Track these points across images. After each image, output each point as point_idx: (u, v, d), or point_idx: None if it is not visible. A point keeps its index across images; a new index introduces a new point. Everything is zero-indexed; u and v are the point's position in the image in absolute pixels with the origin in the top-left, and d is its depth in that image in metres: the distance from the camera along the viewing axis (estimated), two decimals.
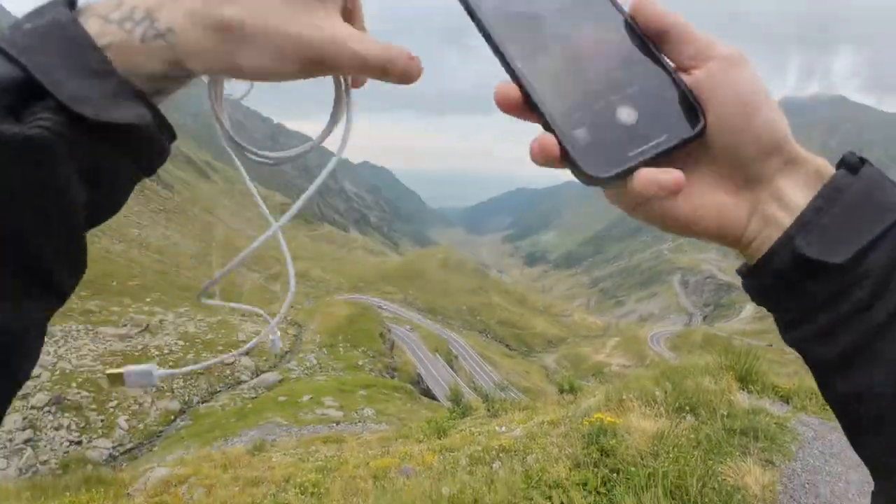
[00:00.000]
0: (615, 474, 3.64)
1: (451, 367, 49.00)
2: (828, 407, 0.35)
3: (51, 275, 0.34)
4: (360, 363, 34.52)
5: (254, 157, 0.52)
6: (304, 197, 0.53)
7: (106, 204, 0.39)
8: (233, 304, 0.76)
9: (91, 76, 0.33)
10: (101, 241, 58.31)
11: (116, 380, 0.58)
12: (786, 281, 0.38)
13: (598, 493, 3.46)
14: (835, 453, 4.91)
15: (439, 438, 8.54)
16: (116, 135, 0.35)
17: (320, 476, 6.23)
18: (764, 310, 0.39)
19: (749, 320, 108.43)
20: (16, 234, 0.31)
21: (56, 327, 29.33)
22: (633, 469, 3.55)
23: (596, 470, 3.72)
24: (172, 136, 0.43)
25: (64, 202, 0.33)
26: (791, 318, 0.40)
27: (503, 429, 7.70)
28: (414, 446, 7.95)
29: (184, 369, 0.64)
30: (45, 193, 0.31)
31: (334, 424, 20.66)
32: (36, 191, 0.31)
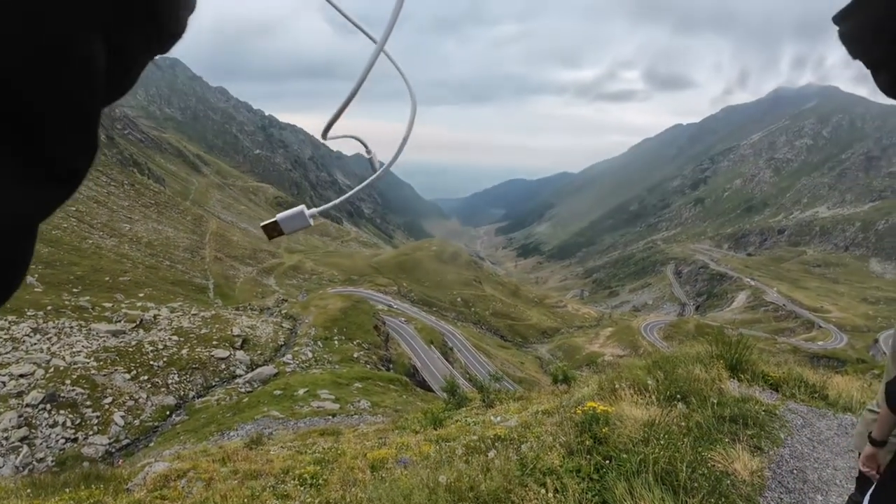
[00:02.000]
0: (607, 461, 3.73)
1: (447, 359, 49.20)
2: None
3: (60, 154, 0.30)
4: (356, 356, 34.61)
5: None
6: (354, 191, 0.58)
7: (123, 81, 0.35)
8: (353, 135, 0.78)
9: None
10: (91, 237, 57.84)
11: (272, 230, 0.60)
12: None
13: (590, 479, 3.55)
14: (823, 440, 5.03)
15: (435, 429, 8.63)
16: None
17: (319, 468, 6.31)
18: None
19: (741, 310, 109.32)
20: (17, 95, 0.27)
21: (49, 324, 29.19)
22: (624, 456, 3.64)
23: (589, 457, 3.81)
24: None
25: (86, 69, 0.29)
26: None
27: (498, 419, 7.80)
28: (410, 437, 8.04)
29: (331, 203, 0.66)
30: (69, 56, 0.28)
31: (331, 417, 20.77)
32: (59, 52, 0.27)
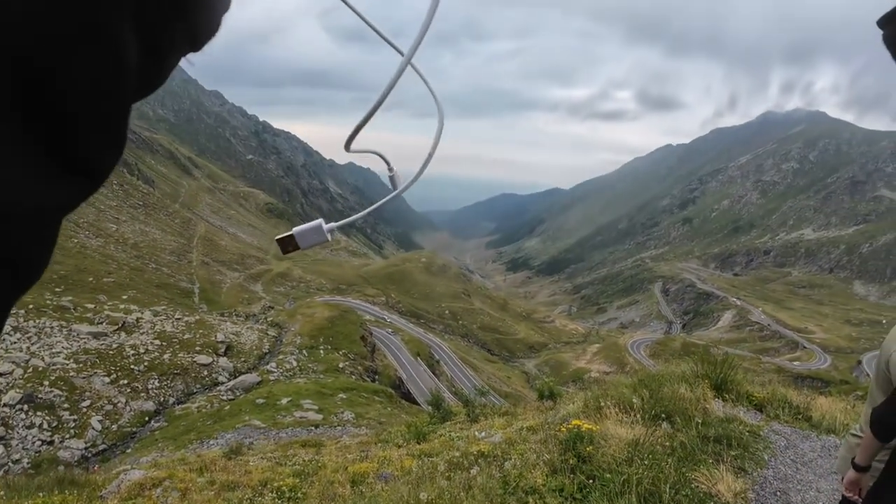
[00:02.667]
0: (591, 480, 3.69)
1: (433, 372, 48.91)
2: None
3: (87, 148, 0.30)
4: (341, 366, 34.28)
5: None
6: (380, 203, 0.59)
7: (154, 79, 0.34)
8: (374, 150, 0.75)
9: None
10: (76, 236, 57.04)
11: (287, 244, 0.57)
12: None
13: (573, 498, 3.50)
14: (806, 462, 5.03)
15: (419, 443, 8.53)
16: None
17: (298, 480, 6.18)
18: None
19: (726, 329, 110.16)
20: (53, 89, 0.27)
21: (29, 323, 28.62)
22: (608, 475, 3.60)
23: (572, 476, 3.76)
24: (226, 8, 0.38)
25: (116, 56, 0.29)
26: None
27: (483, 434, 7.72)
28: (393, 451, 7.93)
29: (351, 218, 0.64)
30: (97, 38, 0.27)
31: (313, 428, 20.48)
32: (85, 38, 0.27)
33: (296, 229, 0.58)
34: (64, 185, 0.30)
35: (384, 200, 0.66)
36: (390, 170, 0.75)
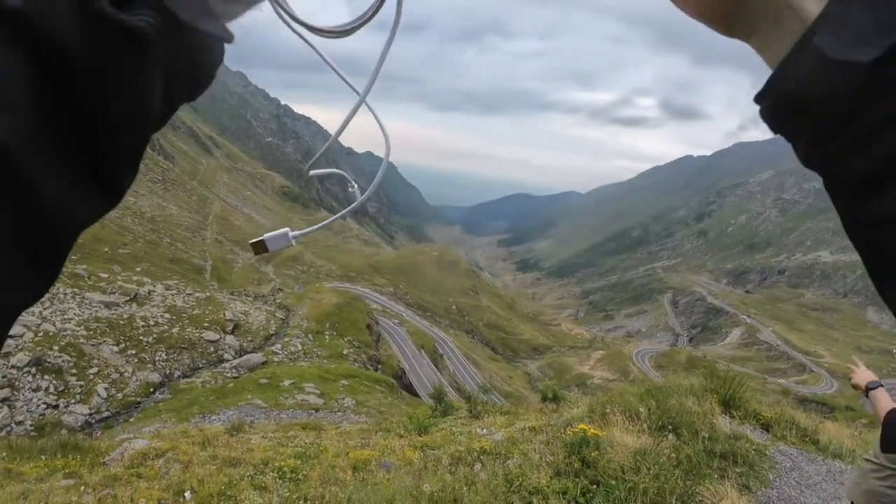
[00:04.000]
0: (595, 486, 3.67)
1: (436, 365, 49.03)
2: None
3: (115, 167, 0.33)
4: (345, 352, 34.48)
5: (320, 33, 0.49)
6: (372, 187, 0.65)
7: (163, 122, 0.38)
8: (336, 171, 0.86)
9: None
10: None
11: (259, 247, 0.66)
12: (808, 92, 0.33)
13: (577, 502, 3.48)
14: (810, 485, 4.97)
15: (420, 435, 8.55)
16: (200, 47, 0.35)
17: (299, 462, 6.23)
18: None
19: (734, 346, 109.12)
20: (91, 119, 0.30)
21: None
22: (613, 482, 3.58)
23: (576, 480, 3.74)
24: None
25: (143, 101, 0.32)
26: (815, 135, 0.34)
27: (484, 431, 7.72)
28: (394, 441, 7.96)
29: (314, 227, 0.70)
30: (129, 89, 0.30)
31: (314, 412, 20.64)
32: (126, 83, 0.30)
33: (266, 235, 0.66)
34: (95, 202, 0.34)
35: (335, 217, 0.72)
36: (351, 186, 0.83)
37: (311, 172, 0.78)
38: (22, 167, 0.27)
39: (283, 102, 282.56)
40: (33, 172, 0.28)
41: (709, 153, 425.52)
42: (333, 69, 0.58)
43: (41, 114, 0.28)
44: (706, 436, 4.94)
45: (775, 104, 0.36)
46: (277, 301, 47.25)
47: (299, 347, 33.36)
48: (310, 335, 36.26)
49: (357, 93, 0.55)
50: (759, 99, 0.38)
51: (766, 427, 6.26)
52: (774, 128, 0.38)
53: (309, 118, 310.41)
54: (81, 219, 0.33)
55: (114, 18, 0.28)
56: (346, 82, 0.58)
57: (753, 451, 5.09)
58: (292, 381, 24.66)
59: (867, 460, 2.91)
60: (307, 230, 0.70)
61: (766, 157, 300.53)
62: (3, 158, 0.26)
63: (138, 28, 0.29)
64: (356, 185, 0.83)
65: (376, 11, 0.49)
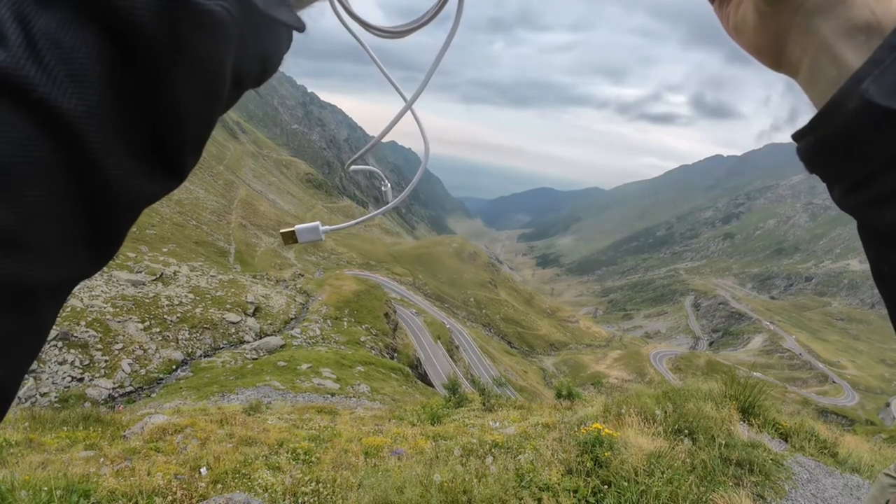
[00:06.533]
0: (606, 486, 3.65)
1: (451, 357, 49.22)
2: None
3: (179, 148, 0.34)
4: (363, 339, 34.82)
5: (377, 32, 0.50)
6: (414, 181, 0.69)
7: (231, 103, 0.38)
8: (373, 168, 0.90)
9: None
10: None
11: (288, 237, 0.67)
12: (851, 135, 0.32)
13: (587, 502, 3.47)
14: (826, 498, 4.86)
15: (433, 425, 8.61)
16: (272, 34, 0.35)
17: (313, 445, 6.33)
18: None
19: (755, 352, 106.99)
20: (168, 103, 0.30)
21: None
22: (625, 484, 3.55)
23: (588, 479, 3.73)
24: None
25: (214, 85, 0.33)
26: (853, 180, 0.35)
27: (497, 424, 7.73)
28: (407, 429, 8.02)
29: (344, 224, 0.73)
30: (202, 72, 0.31)
31: (329, 396, 20.90)
32: (199, 66, 0.30)
33: (297, 227, 0.67)
34: (158, 182, 0.34)
35: (366, 217, 0.75)
36: (384, 185, 0.85)
37: (351, 168, 0.81)
38: (87, 140, 0.28)
39: (309, 90, 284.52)
40: (98, 147, 0.28)
41: (739, 153, 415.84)
42: (383, 72, 0.58)
43: (111, 90, 0.29)
44: (723, 442, 4.86)
45: (815, 145, 0.36)
46: (298, 286, 47.87)
47: (318, 332, 33.79)
48: (328, 321, 36.70)
49: (405, 99, 0.55)
50: (798, 137, 0.38)
51: (785, 437, 6.13)
52: (811, 168, 0.38)
53: (335, 106, 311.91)
54: (144, 196, 0.33)
55: (191, 0, 0.28)
56: (395, 87, 0.58)
57: (770, 461, 4.99)
58: (310, 365, 25.01)
59: (887, 475, 2.83)
60: (337, 226, 0.71)
61: (798, 160, 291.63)
62: (70, 131, 0.27)
63: (215, 12, 0.29)
64: (389, 185, 0.85)
65: (435, 14, 0.47)
